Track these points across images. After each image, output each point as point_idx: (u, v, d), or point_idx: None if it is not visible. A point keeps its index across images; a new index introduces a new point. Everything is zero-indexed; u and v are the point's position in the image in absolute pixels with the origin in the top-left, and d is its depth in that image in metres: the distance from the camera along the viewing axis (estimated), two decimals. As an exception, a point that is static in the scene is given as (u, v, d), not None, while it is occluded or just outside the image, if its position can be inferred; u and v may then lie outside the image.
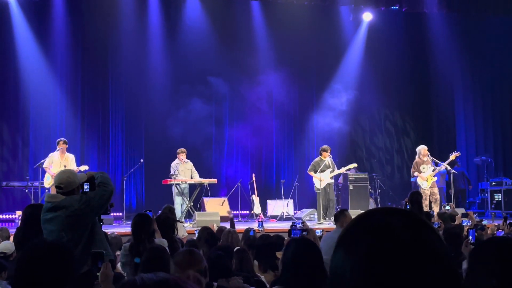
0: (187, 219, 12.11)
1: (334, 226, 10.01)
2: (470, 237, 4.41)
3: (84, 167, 11.54)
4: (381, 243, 0.96)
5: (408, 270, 0.93)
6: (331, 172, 12.40)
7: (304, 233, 5.27)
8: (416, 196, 8.05)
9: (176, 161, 12.69)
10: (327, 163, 12.43)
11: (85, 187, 4.41)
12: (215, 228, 7.18)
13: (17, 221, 11.70)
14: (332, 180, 12.55)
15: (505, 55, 16.71)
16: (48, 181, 11.45)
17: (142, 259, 3.92)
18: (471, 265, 1.66)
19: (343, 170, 12.76)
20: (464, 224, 7.58)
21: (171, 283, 0.95)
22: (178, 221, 7.83)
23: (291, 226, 6.19)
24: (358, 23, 16.73)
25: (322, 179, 12.33)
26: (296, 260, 3.03)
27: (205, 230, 6.28)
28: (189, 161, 12.76)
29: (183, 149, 12.74)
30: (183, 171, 12.58)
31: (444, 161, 12.52)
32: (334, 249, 1.04)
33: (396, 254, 0.94)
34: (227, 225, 8.13)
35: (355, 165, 13.24)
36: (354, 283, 0.96)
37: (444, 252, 0.98)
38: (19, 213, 10.23)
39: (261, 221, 7.93)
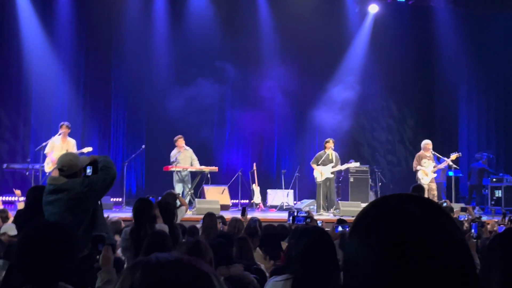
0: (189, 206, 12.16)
1: (334, 218, 10.03)
2: (473, 231, 4.40)
3: (88, 149, 11.56)
4: (396, 229, 0.94)
5: (425, 257, 0.92)
6: (332, 167, 12.38)
7: (308, 220, 5.26)
8: (418, 189, 8.06)
9: (176, 150, 12.68)
10: (330, 157, 12.42)
11: (88, 170, 4.37)
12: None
13: (17, 202, 11.72)
14: (332, 176, 12.50)
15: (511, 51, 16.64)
16: (49, 166, 11.44)
17: (144, 243, 3.91)
18: (484, 260, 1.64)
19: (344, 167, 12.73)
20: (461, 219, 7.57)
21: (185, 262, 0.94)
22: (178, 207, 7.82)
23: (291, 212, 6.18)
24: (364, 15, 16.64)
25: (322, 173, 12.34)
26: (311, 251, 2.98)
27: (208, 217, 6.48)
28: (189, 148, 12.77)
29: (180, 136, 12.74)
30: (183, 159, 12.58)
31: (446, 157, 12.60)
32: (348, 236, 1.02)
33: (413, 241, 0.93)
34: (225, 214, 8.11)
35: (357, 164, 13.16)
36: (370, 271, 0.94)
37: (461, 239, 0.97)
38: (18, 192, 10.19)
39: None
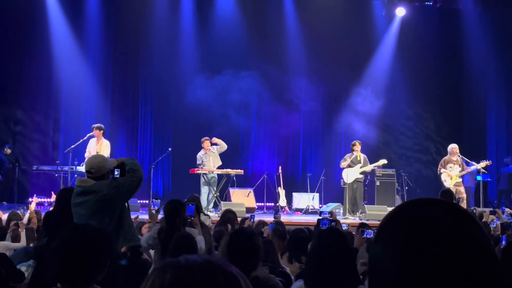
0: (214, 209, 12.26)
1: (359, 221, 9.97)
2: (504, 242, 4.31)
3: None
4: (422, 233, 0.95)
5: (449, 260, 0.92)
6: (360, 167, 12.32)
7: (333, 223, 5.24)
8: (444, 194, 7.95)
9: (202, 151, 12.75)
10: (358, 158, 12.36)
11: (115, 172, 4.43)
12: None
13: (46, 204, 11.91)
14: (361, 176, 12.44)
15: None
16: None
17: (171, 245, 3.93)
18: (502, 263, 1.63)
19: (371, 167, 12.66)
20: (493, 226, 7.46)
21: (214, 264, 0.95)
22: (202, 213, 7.87)
23: (320, 217, 6.16)
24: (391, 18, 16.51)
25: (350, 174, 12.29)
26: (323, 249, 2.95)
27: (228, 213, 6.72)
28: (215, 150, 12.82)
29: (206, 137, 12.81)
30: (209, 161, 12.64)
31: (474, 161, 12.46)
32: (373, 240, 1.03)
33: (437, 244, 0.93)
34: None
35: (385, 161, 13.06)
36: (395, 274, 0.94)
37: (486, 243, 0.97)
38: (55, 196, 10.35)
39: (278, 209, 7.90)
